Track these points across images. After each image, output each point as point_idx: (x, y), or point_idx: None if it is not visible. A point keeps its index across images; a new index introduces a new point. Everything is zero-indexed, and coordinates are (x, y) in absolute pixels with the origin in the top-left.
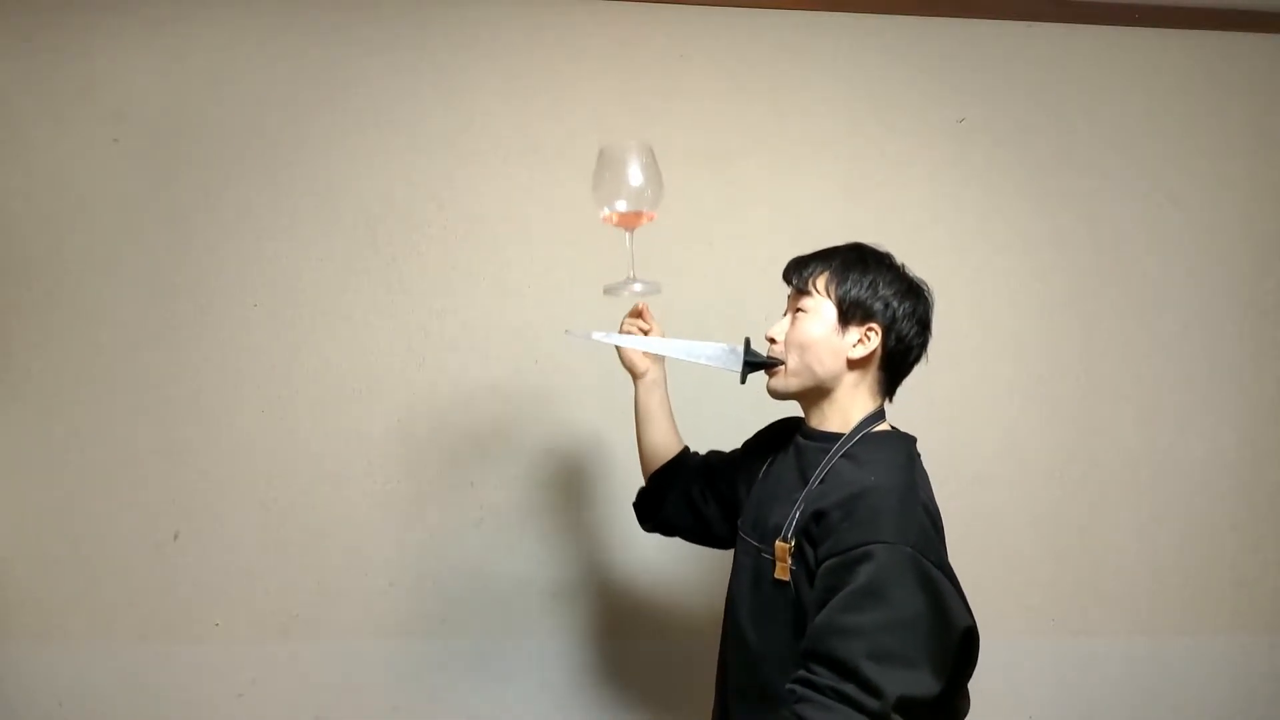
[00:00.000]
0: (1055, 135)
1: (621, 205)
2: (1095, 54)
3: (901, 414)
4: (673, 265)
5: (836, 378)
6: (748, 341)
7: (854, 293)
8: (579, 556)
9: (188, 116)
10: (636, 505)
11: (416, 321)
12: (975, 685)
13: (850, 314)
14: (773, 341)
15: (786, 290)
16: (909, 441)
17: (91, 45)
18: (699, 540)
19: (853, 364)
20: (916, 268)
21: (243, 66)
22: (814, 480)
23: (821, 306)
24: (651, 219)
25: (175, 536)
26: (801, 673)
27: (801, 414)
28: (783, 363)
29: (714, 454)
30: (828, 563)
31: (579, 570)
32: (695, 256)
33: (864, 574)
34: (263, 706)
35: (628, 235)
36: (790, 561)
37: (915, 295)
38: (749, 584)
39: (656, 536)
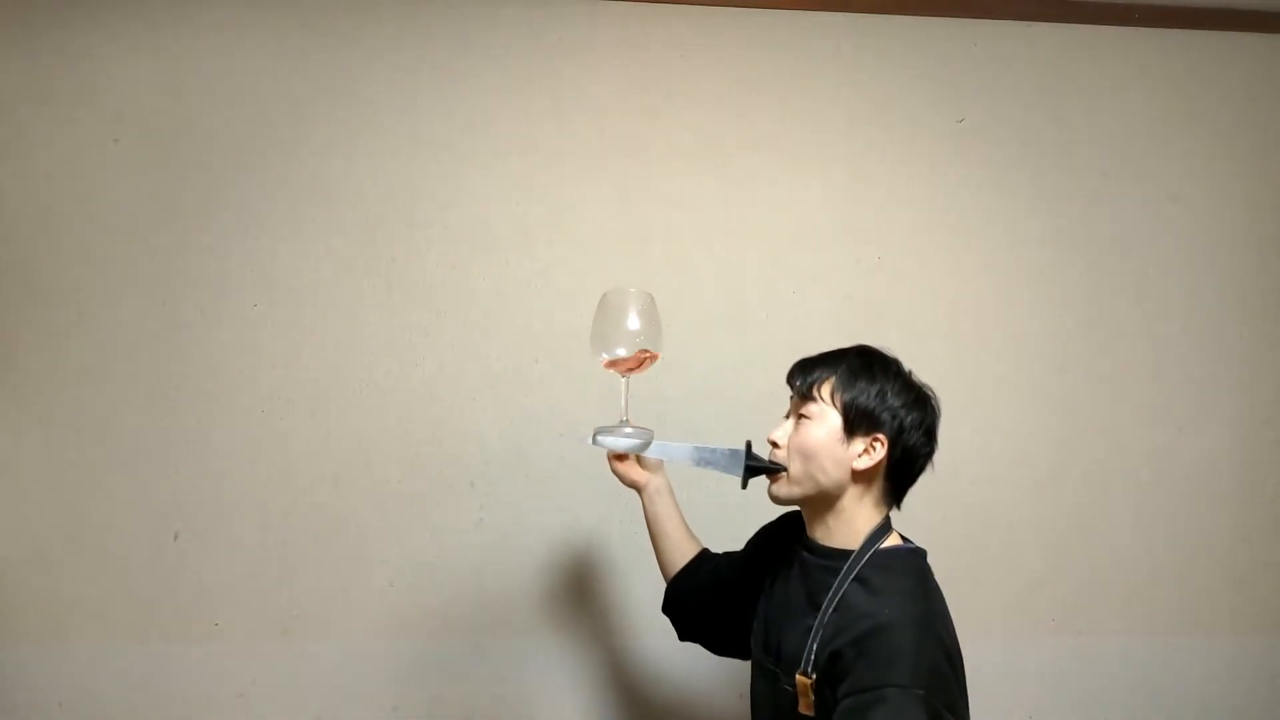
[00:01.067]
0: (1055, 135)
1: (621, 351)
2: (1095, 54)
3: None
4: (672, 265)
5: (840, 488)
6: (749, 445)
7: (860, 401)
8: (579, 556)
9: (188, 117)
10: (666, 611)
11: (416, 321)
12: (975, 685)
13: (856, 424)
14: (775, 445)
15: (789, 393)
16: (919, 558)
17: (92, 46)
18: (724, 653)
19: (857, 475)
20: (916, 268)
21: (243, 67)
22: (826, 608)
23: (826, 414)
24: (655, 359)
25: (175, 537)
26: None
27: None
28: (784, 469)
29: (725, 562)
30: (845, 701)
31: (579, 570)
32: (695, 256)
33: (878, 718)
34: (263, 706)
35: (624, 381)
36: (813, 695)
37: (922, 405)
38: (770, 711)
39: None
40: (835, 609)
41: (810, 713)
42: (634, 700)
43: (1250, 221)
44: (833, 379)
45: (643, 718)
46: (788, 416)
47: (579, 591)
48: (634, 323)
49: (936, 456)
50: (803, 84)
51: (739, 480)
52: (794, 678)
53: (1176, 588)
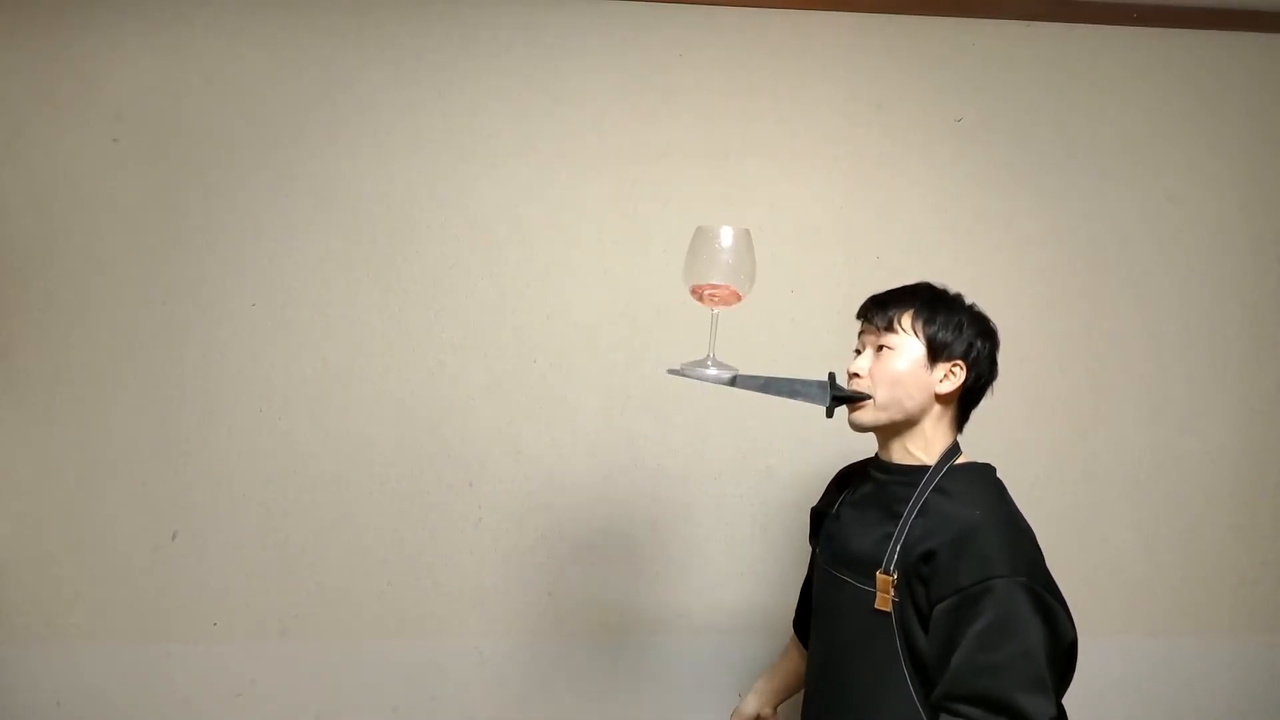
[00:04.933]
0: (1054, 135)
1: (716, 279)
2: (1095, 53)
3: None
4: (671, 265)
5: (923, 411)
6: (832, 376)
7: (942, 333)
8: (579, 556)
9: (187, 117)
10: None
11: (416, 321)
12: None
13: (939, 351)
14: (855, 376)
15: (859, 326)
16: (992, 470)
17: (91, 45)
18: None
19: (938, 398)
20: (915, 267)
21: (242, 67)
22: (909, 515)
23: (909, 344)
24: (740, 299)
25: (174, 536)
26: (946, 716)
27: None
28: (869, 397)
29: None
30: (946, 602)
31: (579, 569)
32: None
33: (989, 610)
34: (262, 706)
35: (713, 314)
36: (893, 593)
37: (991, 335)
38: (844, 616)
39: (652, 538)
40: (918, 514)
41: (886, 608)
42: (633, 699)
43: (1249, 221)
44: (912, 310)
45: (642, 717)
46: (859, 351)
47: (578, 591)
48: (728, 255)
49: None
50: (802, 84)
51: (824, 410)
52: (873, 577)
53: (1176, 587)
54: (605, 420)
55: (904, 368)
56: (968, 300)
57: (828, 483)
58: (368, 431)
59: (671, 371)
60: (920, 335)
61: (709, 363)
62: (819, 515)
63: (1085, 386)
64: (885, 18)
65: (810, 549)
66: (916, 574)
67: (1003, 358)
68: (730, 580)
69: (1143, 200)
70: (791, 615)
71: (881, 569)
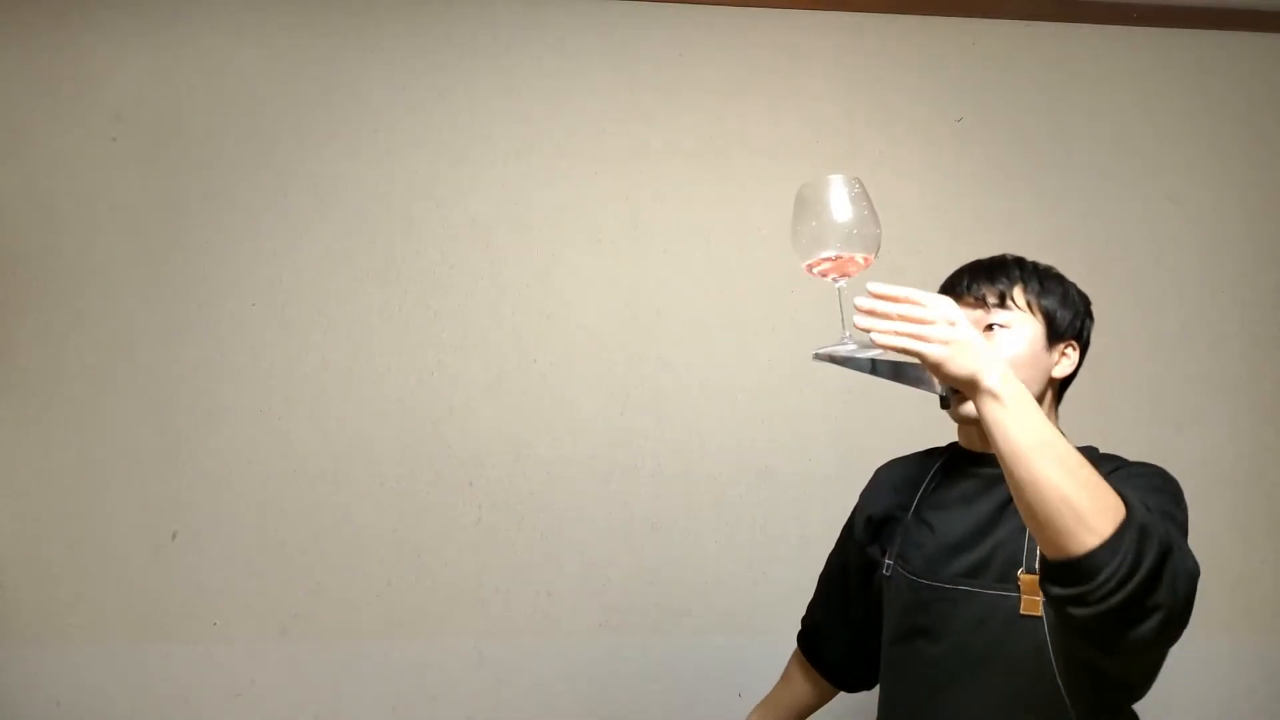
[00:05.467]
0: (1054, 135)
1: (832, 251)
2: (1095, 54)
3: (902, 413)
4: (671, 265)
5: (1040, 398)
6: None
7: (1061, 310)
8: (578, 556)
9: (186, 116)
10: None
11: (414, 321)
12: None
13: (1058, 331)
14: None
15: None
16: (1095, 450)
17: (90, 45)
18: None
19: (1051, 383)
20: (914, 266)
21: (241, 66)
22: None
23: (1025, 322)
24: (869, 263)
25: (174, 536)
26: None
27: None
28: None
29: (824, 578)
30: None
31: (578, 569)
32: (694, 256)
33: (1143, 475)
34: (261, 706)
35: (838, 287)
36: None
37: (1090, 312)
38: (962, 633)
39: (652, 538)
40: None
41: (1036, 611)
42: (633, 699)
43: (1249, 221)
44: (1024, 284)
45: (642, 717)
46: None
47: (578, 591)
48: (843, 214)
49: None
50: (802, 83)
51: (937, 398)
52: (1014, 579)
53: None
54: (605, 420)
55: (1025, 349)
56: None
57: (874, 484)
58: (368, 431)
59: (818, 357)
60: (1038, 312)
61: (846, 340)
62: (883, 521)
63: (1085, 386)
64: (885, 18)
65: (833, 559)
66: None
67: None
68: (730, 580)
69: (1143, 200)
70: (795, 629)
71: (1024, 568)
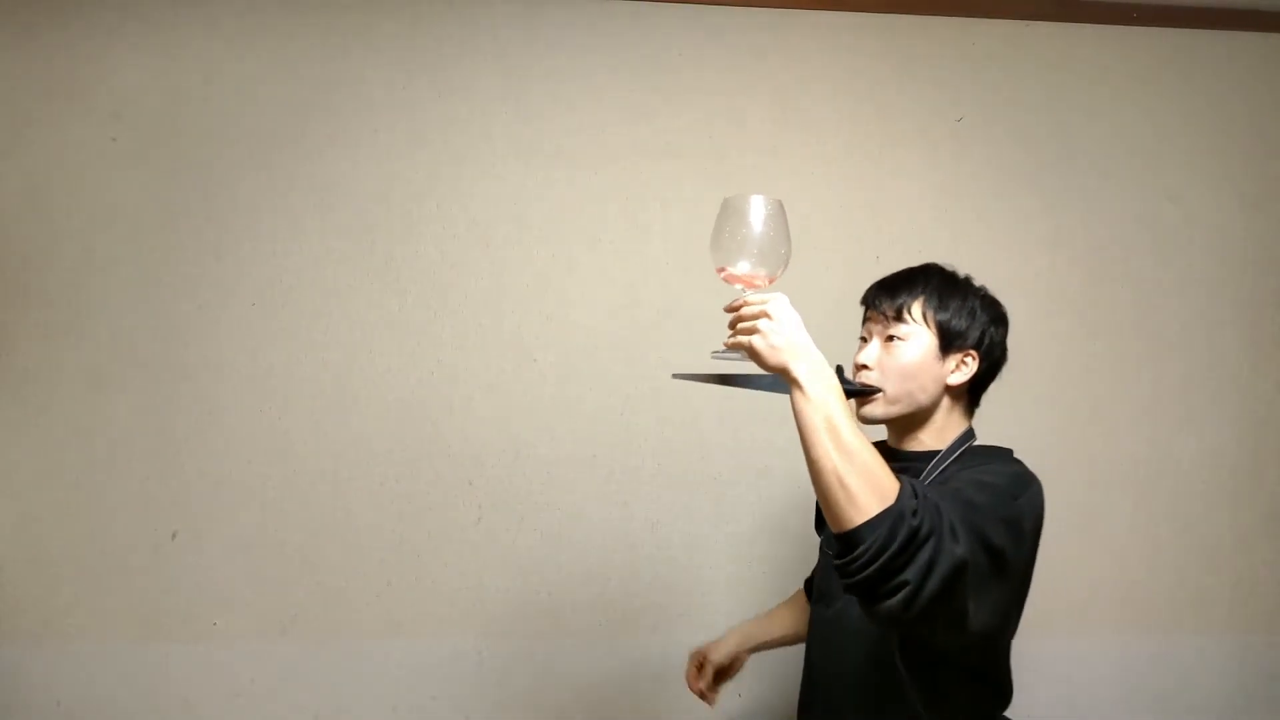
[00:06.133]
0: (1054, 134)
1: (744, 266)
2: (1095, 53)
3: None
4: (671, 265)
5: (935, 402)
6: (840, 369)
7: (955, 322)
8: (579, 556)
9: (185, 116)
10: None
11: (414, 321)
12: None
13: (951, 342)
14: (864, 368)
15: (870, 315)
16: (1010, 451)
17: (89, 45)
18: None
19: (949, 389)
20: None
21: (240, 66)
22: None
23: (919, 334)
24: (772, 281)
25: (174, 536)
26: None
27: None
28: (878, 391)
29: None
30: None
31: (579, 569)
32: (694, 255)
33: (962, 489)
34: (261, 706)
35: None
36: None
37: (1003, 321)
38: (850, 601)
39: (652, 538)
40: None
41: None
42: (633, 699)
43: (1248, 221)
44: (923, 299)
45: (642, 717)
46: (864, 339)
47: (578, 591)
48: (760, 233)
49: None
50: (801, 83)
51: None
52: None
53: (1174, 587)
54: (605, 420)
55: (915, 359)
56: (977, 283)
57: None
58: (368, 431)
59: (676, 376)
60: (931, 325)
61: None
62: None
63: (1085, 386)
64: (885, 18)
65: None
66: None
67: None
68: (730, 580)
69: (1143, 200)
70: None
71: None
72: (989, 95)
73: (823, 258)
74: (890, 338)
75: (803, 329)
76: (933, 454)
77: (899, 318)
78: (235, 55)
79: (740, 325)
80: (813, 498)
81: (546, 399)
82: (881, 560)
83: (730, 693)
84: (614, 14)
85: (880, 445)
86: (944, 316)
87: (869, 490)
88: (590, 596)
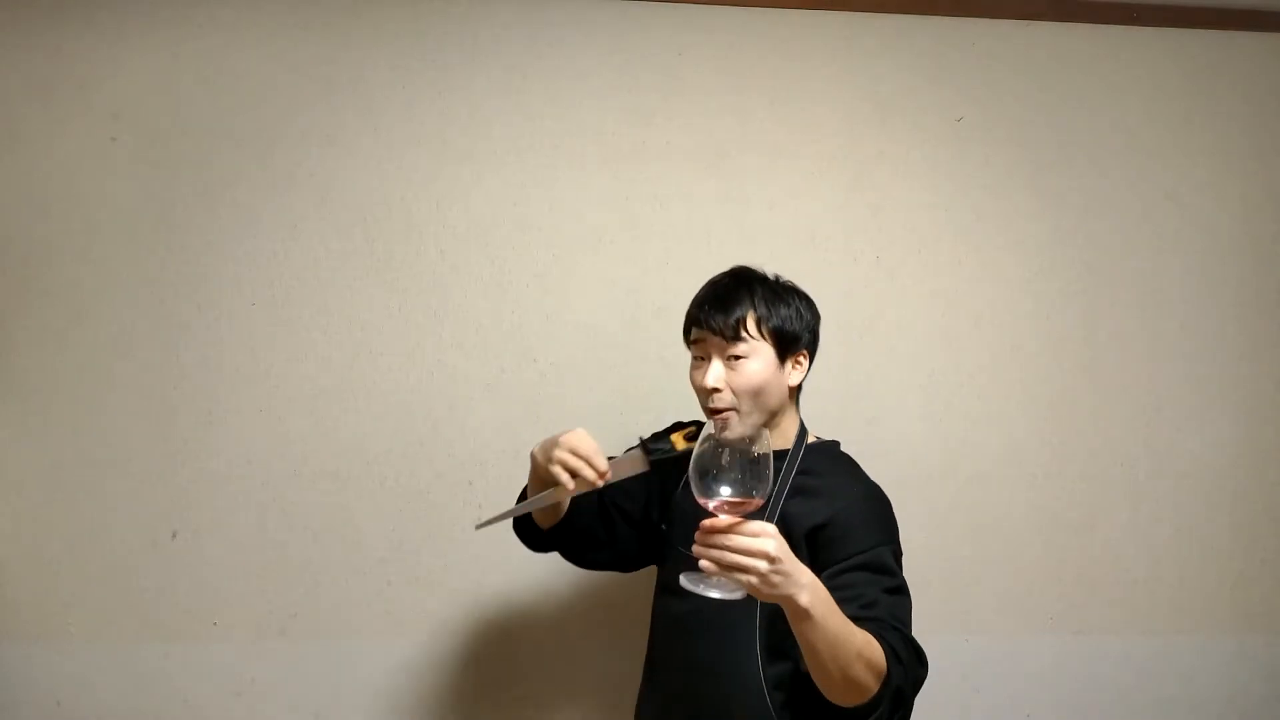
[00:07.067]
0: (1054, 134)
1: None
2: (1095, 53)
3: (900, 413)
4: (671, 265)
5: (781, 406)
6: (642, 441)
7: (788, 328)
8: None
9: (185, 116)
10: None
11: (414, 321)
12: (973, 684)
13: (787, 349)
14: (716, 391)
15: (707, 336)
16: (838, 445)
17: (89, 45)
18: (612, 565)
19: (790, 390)
20: (915, 267)
21: (240, 66)
22: (779, 496)
23: (759, 349)
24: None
25: (173, 536)
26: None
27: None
28: (679, 453)
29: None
30: (855, 559)
31: (578, 570)
32: (693, 254)
33: (878, 565)
34: (261, 706)
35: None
36: None
37: (817, 313)
38: (712, 603)
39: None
40: (791, 494)
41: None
42: (633, 699)
43: (1248, 220)
44: (753, 312)
45: None
46: (701, 359)
47: (577, 591)
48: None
49: (934, 457)
50: (801, 83)
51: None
52: None
53: (1174, 586)
54: (605, 420)
55: (761, 373)
56: (785, 280)
57: (639, 450)
58: (368, 431)
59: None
60: (768, 336)
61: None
62: (665, 497)
63: (1085, 386)
64: (885, 17)
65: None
66: (807, 544)
67: (1002, 357)
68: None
69: (1143, 200)
70: None
71: None
72: (989, 95)
73: (824, 257)
74: (732, 356)
75: (790, 552)
76: (783, 453)
77: (737, 336)
78: (235, 55)
79: (730, 558)
80: None
81: (546, 399)
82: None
83: None
84: (614, 14)
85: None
86: (777, 324)
87: (869, 675)
88: (590, 596)
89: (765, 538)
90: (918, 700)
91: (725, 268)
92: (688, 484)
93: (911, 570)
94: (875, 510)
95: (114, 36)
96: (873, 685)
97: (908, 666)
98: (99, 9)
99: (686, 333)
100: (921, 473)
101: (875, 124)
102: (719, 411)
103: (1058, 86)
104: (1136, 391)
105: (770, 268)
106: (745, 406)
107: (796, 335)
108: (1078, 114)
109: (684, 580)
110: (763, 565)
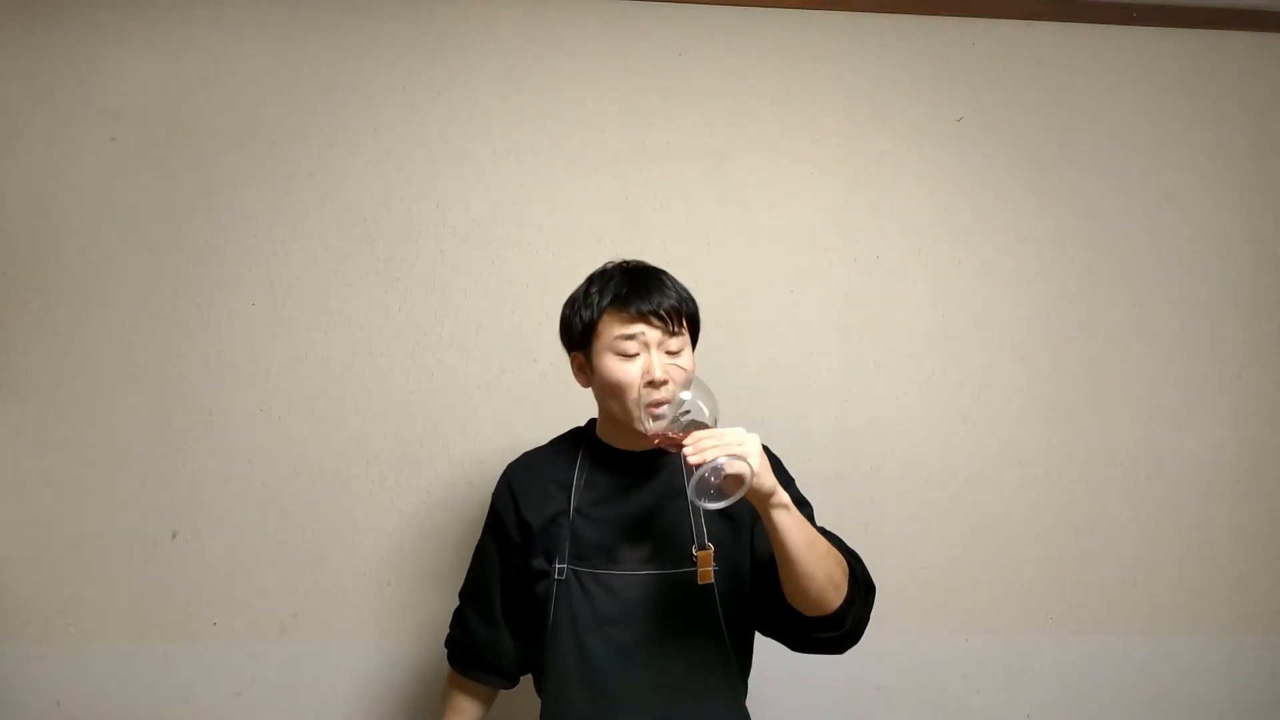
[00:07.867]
0: (1054, 134)
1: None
2: (1095, 53)
3: (900, 413)
4: (671, 265)
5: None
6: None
7: (696, 315)
8: None
9: (185, 116)
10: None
11: (414, 321)
12: (974, 683)
13: (695, 335)
14: (663, 384)
15: (643, 330)
16: None
17: (89, 45)
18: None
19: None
20: (914, 265)
21: (240, 66)
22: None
23: (686, 341)
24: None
25: (173, 536)
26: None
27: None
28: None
29: (480, 595)
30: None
31: None
32: (693, 254)
33: (800, 500)
34: (261, 706)
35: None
36: (714, 563)
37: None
38: (651, 609)
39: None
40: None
41: (710, 580)
42: None
43: (1248, 220)
44: (678, 301)
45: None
46: (633, 355)
47: None
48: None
49: (934, 457)
50: (801, 83)
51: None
52: (689, 555)
53: (1174, 586)
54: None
55: (690, 361)
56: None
57: (521, 491)
58: (367, 431)
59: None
60: (685, 325)
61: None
62: (545, 528)
63: (1085, 386)
64: (885, 17)
65: (489, 575)
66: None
67: (1002, 357)
68: None
69: (1143, 200)
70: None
71: (697, 545)
72: (989, 95)
73: (824, 257)
74: (670, 350)
75: None
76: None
77: (681, 326)
78: (235, 55)
79: (729, 444)
80: (811, 499)
81: (546, 399)
82: (863, 621)
83: None
84: (614, 14)
85: (592, 442)
86: (691, 311)
87: (841, 575)
88: None
89: (743, 432)
90: (918, 700)
91: (725, 267)
92: (578, 508)
93: (912, 570)
94: (772, 457)
95: (114, 36)
96: (844, 583)
97: (861, 564)
98: (99, 9)
99: (592, 330)
100: (921, 473)
101: (875, 124)
102: (660, 404)
103: (1058, 86)
104: (1136, 391)
105: (770, 268)
106: (677, 397)
107: (699, 320)
108: (1078, 114)
109: (691, 493)
110: (755, 442)
